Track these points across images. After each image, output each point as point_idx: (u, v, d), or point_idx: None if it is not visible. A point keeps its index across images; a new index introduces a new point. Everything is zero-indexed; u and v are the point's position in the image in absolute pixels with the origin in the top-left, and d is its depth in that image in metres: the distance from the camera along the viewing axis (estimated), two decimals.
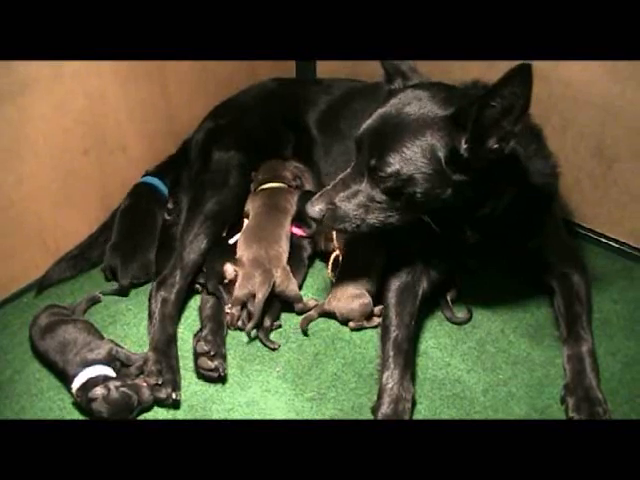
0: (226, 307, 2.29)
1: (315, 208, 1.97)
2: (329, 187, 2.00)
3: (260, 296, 2.22)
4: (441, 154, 1.82)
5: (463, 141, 1.79)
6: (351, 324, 2.28)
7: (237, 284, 2.28)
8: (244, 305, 2.27)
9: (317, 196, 2.00)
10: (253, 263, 2.29)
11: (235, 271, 2.32)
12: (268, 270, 2.27)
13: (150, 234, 2.56)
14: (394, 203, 1.92)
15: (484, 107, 1.73)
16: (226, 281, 2.33)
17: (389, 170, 1.85)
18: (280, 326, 2.31)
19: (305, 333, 2.28)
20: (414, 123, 1.85)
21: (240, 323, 2.27)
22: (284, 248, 2.37)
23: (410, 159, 1.83)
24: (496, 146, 1.78)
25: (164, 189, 2.68)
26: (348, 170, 1.99)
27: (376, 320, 2.28)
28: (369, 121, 1.95)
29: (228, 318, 2.27)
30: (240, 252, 2.36)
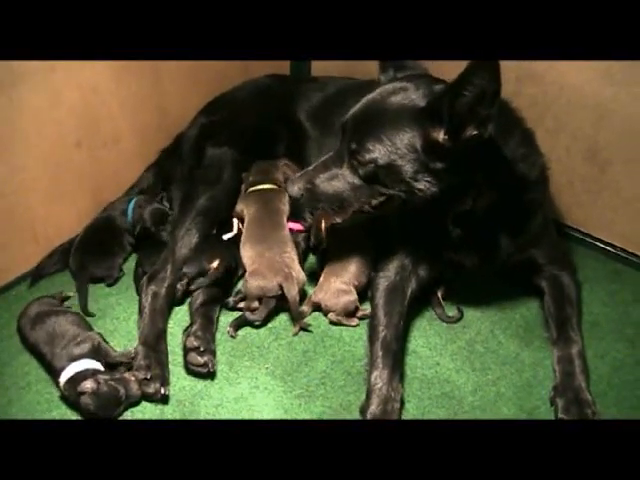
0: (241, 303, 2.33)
1: (294, 187, 2.04)
2: (310, 168, 2.07)
3: (294, 299, 2.24)
4: (419, 144, 1.86)
5: (442, 132, 1.82)
6: (331, 316, 2.29)
7: (248, 278, 2.29)
8: (259, 299, 2.28)
9: (297, 175, 2.09)
10: (267, 265, 2.29)
11: (221, 269, 2.34)
12: (289, 275, 2.27)
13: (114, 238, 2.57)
14: (372, 189, 1.97)
15: (456, 97, 1.76)
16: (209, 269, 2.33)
17: (367, 157, 1.91)
18: None
19: (305, 330, 2.29)
20: (395, 112, 1.90)
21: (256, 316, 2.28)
22: (292, 250, 2.37)
23: (389, 147, 1.88)
24: (475, 132, 1.79)
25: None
26: (330, 153, 2.05)
27: (355, 320, 2.29)
28: (355, 107, 2.00)
29: (250, 315, 2.29)
30: (248, 254, 2.36)
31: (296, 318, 2.27)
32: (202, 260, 2.35)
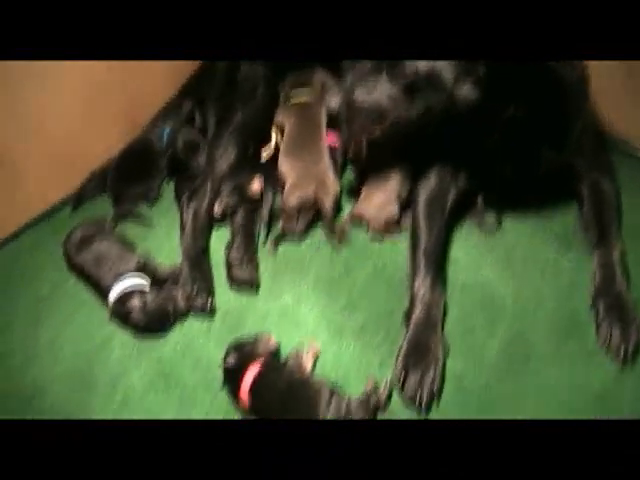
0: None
1: (332, 100, 2.02)
2: (347, 80, 2.03)
3: (328, 206, 2.26)
4: None
5: None
6: (373, 229, 2.29)
7: (285, 194, 2.30)
8: (298, 213, 2.29)
9: (335, 88, 2.02)
10: (303, 174, 2.30)
11: (260, 190, 2.34)
12: (323, 182, 2.29)
13: (151, 161, 2.58)
14: (412, 100, 1.92)
15: None
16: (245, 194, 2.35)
17: (407, 64, 1.86)
18: None
19: (340, 241, 2.29)
20: None
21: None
22: (329, 161, 2.37)
23: None
24: None
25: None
26: (368, 64, 1.98)
27: (397, 232, 2.29)
28: None
29: (285, 224, 2.30)
30: (286, 165, 2.37)
31: (329, 227, 2.28)
32: (240, 178, 2.36)
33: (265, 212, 2.34)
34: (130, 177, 2.53)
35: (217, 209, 2.33)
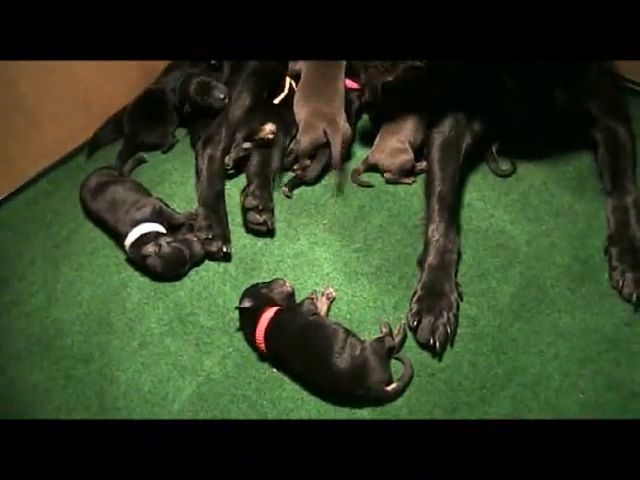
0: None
1: None
2: None
3: (337, 145, 2.25)
4: None
5: None
6: (387, 175, 2.29)
7: (299, 135, 2.30)
8: (311, 155, 2.29)
9: None
10: (314, 114, 2.29)
11: (273, 132, 2.34)
12: (333, 120, 2.28)
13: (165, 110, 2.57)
14: None
15: None
16: (258, 137, 2.34)
17: None
18: None
19: (363, 186, 2.30)
20: None
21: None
22: (341, 102, 2.36)
23: None
24: None
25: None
26: None
27: (412, 178, 2.30)
28: None
29: (297, 167, 2.32)
30: (299, 105, 2.36)
31: (335, 167, 2.28)
32: (254, 122, 2.36)
33: (276, 155, 2.33)
34: (144, 124, 2.53)
35: (227, 161, 2.33)
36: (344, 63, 2.42)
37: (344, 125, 2.31)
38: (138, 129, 2.52)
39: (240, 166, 2.35)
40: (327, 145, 2.27)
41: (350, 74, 2.42)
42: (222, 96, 2.41)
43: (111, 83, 2.57)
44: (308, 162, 2.30)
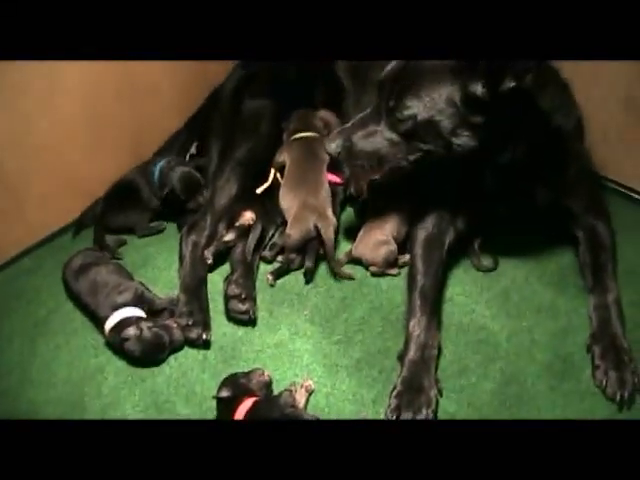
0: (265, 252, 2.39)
1: (332, 144, 2.04)
2: (348, 125, 2.06)
3: (329, 236, 2.28)
4: (457, 99, 1.84)
5: (480, 85, 1.80)
6: (372, 269, 2.31)
7: (289, 228, 2.31)
8: (299, 248, 2.31)
9: (335, 132, 2.08)
10: (304, 207, 2.32)
11: (252, 219, 2.37)
12: (323, 214, 2.31)
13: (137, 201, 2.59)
14: (411, 145, 1.96)
15: None
16: (237, 224, 2.37)
17: (406, 113, 1.90)
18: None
19: (347, 279, 2.32)
20: (432, 67, 1.88)
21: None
22: (327, 194, 2.39)
23: (427, 102, 1.87)
24: (513, 84, 1.77)
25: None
26: (368, 110, 2.04)
27: (396, 269, 2.32)
28: (392, 64, 1.98)
29: (283, 260, 2.33)
30: (287, 199, 2.39)
31: (330, 261, 2.30)
32: (234, 209, 2.39)
33: (251, 242, 2.34)
34: (111, 209, 2.56)
35: (207, 254, 2.33)
36: (327, 157, 2.44)
37: (332, 216, 2.34)
38: (105, 212, 2.55)
39: (222, 256, 2.36)
40: (316, 238, 2.29)
41: (333, 168, 2.46)
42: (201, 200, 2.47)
43: (101, 164, 2.59)
44: (294, 255, 2.32)
